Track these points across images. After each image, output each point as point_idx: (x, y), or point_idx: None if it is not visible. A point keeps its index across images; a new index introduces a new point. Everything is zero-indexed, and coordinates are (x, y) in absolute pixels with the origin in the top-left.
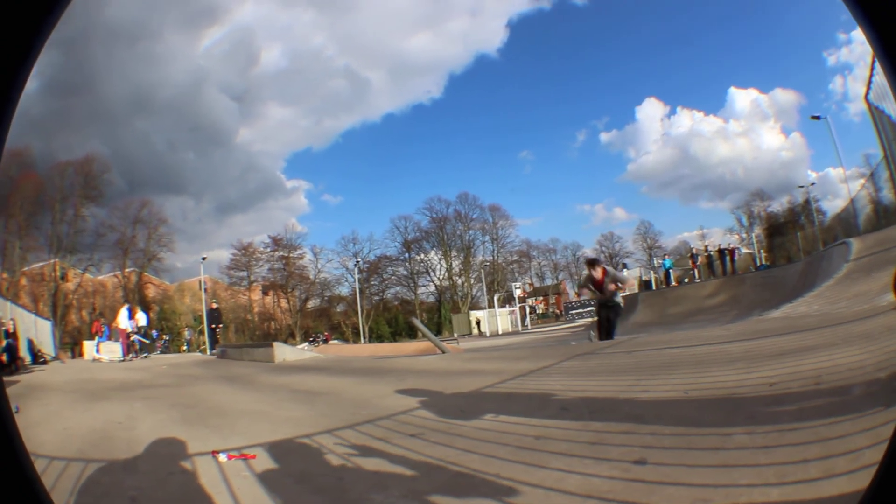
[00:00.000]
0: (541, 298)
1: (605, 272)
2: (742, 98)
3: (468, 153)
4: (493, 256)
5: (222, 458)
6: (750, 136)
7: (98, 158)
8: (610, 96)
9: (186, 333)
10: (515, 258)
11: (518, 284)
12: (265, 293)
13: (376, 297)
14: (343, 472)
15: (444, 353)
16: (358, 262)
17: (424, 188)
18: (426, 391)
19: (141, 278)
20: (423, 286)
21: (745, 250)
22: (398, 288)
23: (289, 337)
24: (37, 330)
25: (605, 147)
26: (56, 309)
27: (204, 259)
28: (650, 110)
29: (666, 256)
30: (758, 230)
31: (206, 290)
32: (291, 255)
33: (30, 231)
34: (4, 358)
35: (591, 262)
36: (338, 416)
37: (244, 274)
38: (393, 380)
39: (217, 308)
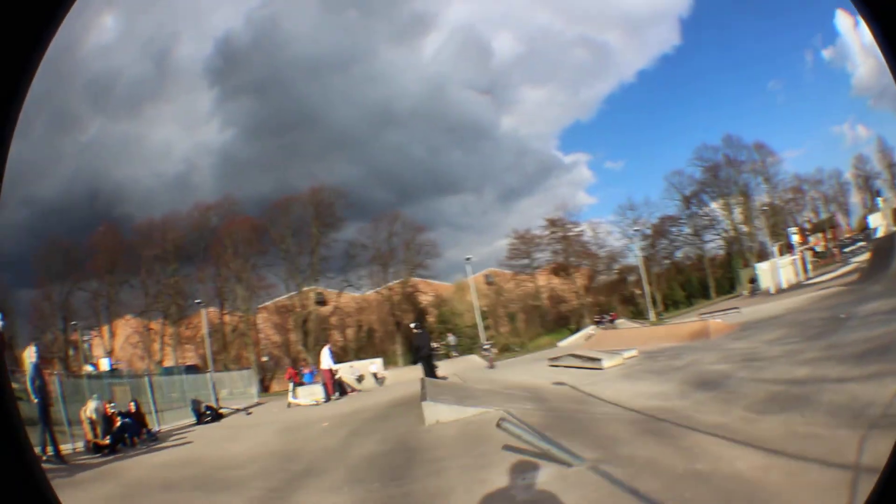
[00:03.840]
0: (819, 236)
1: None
2: None
3: (722, 91)
4: (769, 197)
5: None
6: None
7: (326, 187)
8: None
9: (451, 339)
10: (790, 196)
11: (794, 229)
12: (556, 275)
13: (666, 261)
14: None
15: None
16: (638, 228)
17: (691, 136)
18: None
19: (406, 288)
20: (711, 241)
21: None
22: (686, 248)
23: (579, 319)
24: (232, 382)
25: (829, 64)
26: (307, 335)
27: (468, 259)
28: (842, 20)
29: None
30: None
31: (492, 282)
32: (568, 233)
33: (255, 271)
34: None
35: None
36: None
37: (526, 261)
38: None
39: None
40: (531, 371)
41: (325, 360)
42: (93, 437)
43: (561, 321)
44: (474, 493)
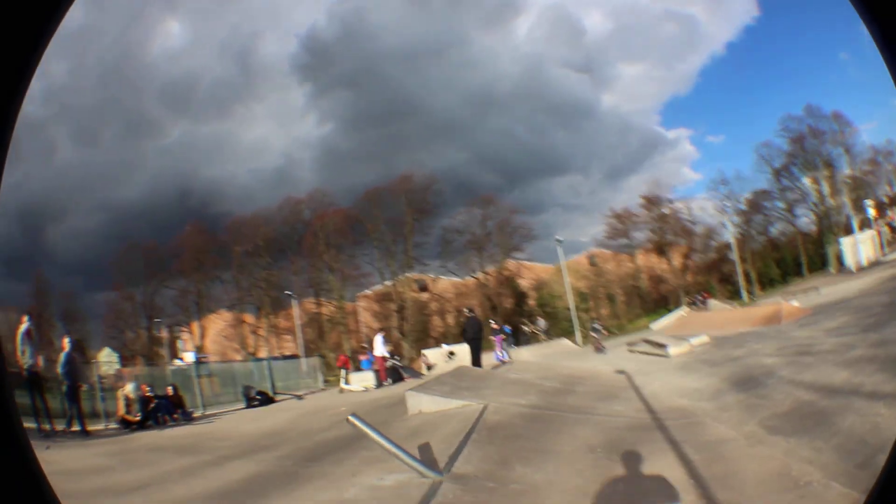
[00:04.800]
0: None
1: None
2: None
3: (798, 60)
4: (850, 169)
5: None
6: None
7: (415, 174)
8: None
9: (541, 323)
10: (868, 168)
11: (870, 202)
12: (656, 254)
13: (761, 237)
14: None
15: None
16: (726, 205)
17: (776, 107)
18: None
19: (503, 272)
20: (804, 216)
21: None
22: (780, 223)
23: (677, 299)
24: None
25: None
26: (403, 322)
27: (559, 241)
28: None
29: None
30: None
31: (594, 263)
32: (663, 210)
33: (350, 261)
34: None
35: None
36: None
37: (626, 241)
38: None
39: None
40: (607, 357)
41: (378, 347)
42: (125, 412)
43: (661, 301)
44: (335, 485)
